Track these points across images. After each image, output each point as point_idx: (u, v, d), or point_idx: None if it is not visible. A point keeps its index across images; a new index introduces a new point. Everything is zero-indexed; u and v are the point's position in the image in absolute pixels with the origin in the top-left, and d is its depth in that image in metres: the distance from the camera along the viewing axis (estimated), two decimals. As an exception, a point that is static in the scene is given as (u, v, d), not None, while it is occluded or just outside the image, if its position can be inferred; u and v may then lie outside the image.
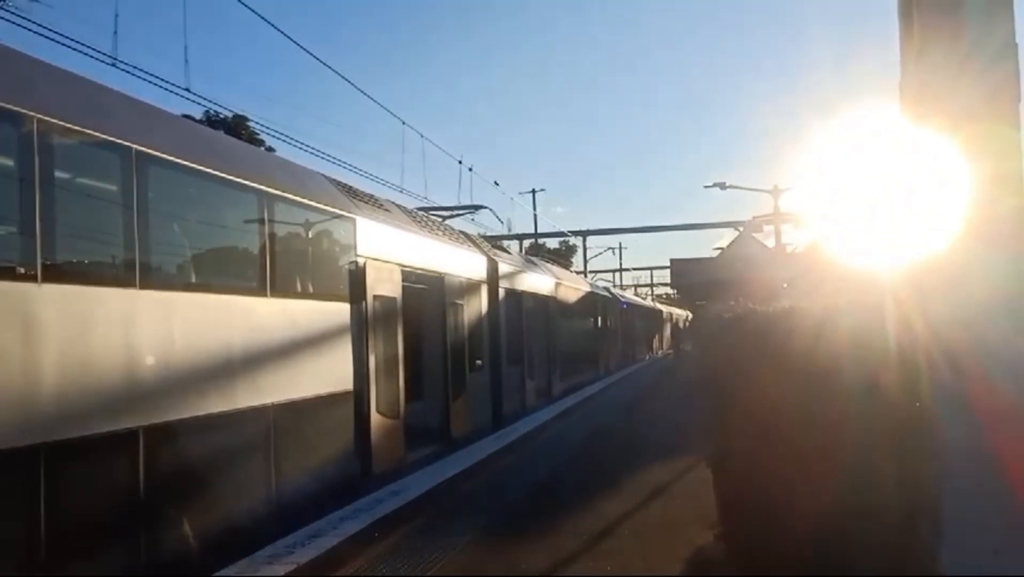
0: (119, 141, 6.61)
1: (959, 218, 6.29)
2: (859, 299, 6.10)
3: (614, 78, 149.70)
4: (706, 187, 33.15)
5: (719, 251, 37.26)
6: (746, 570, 5.77)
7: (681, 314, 64.19)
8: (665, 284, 70.48)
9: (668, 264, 43.83)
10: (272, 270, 8.57)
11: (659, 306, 61.03)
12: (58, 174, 6.10)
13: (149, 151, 6.88)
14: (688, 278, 35.22)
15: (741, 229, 34.80)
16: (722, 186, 32.30)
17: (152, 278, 6.87)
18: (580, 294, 26.87)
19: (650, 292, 73.83)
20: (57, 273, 5.87)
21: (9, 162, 5.86)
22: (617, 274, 66.14)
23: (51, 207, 5.87)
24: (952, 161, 5.91)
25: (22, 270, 5.61)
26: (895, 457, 5.22)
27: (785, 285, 20.48)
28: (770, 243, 31.07)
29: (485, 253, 16.57)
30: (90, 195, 6.77)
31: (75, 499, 5.88)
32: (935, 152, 5.99)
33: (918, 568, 5.13)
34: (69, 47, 9.97)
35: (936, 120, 5.75)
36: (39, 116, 5.77)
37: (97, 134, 6.42)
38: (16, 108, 5.65)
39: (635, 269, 71.34)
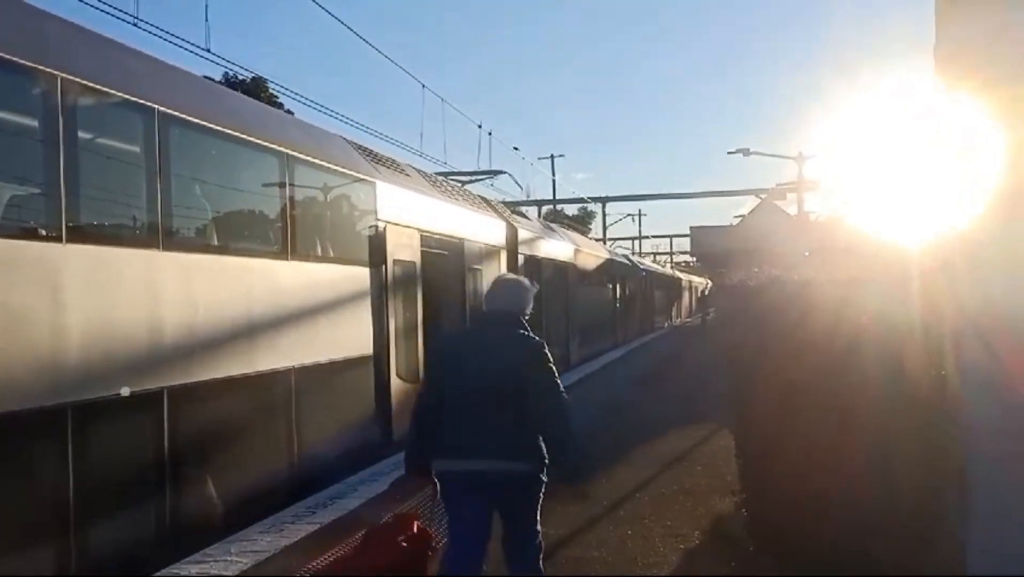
0: (142, 101, 6.58)
1: (990, 187, 6.18)
2: (884, 270, 6.03)
3: (635, 44, 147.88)
4: (729, 153, 33.13)
5: (740, 219, 37.03)
6: (766, 537, 5.77)
7: (700, 282, 63.92)
8: (685, 252, 70.14)
9: (688, 232, 43.60)
10: (293, 233, 8.57)
11: (678, 274, 60.77)
12: (81, 134, 6.09)
13: (171, 112, 6.85)
14: (708, 246, 35.07)
15: (763, 197, 34.49)
16: (745, 152, 31.92)
17: (175, 240, 6.88)
18: (599, 261, 26.77)
19: (669, 260, 73.51)
20: (81, 234, 5.88)
21: (33, 122, 5.85)
22: (636, 241, 65.92)
23: (74, 167, 5.87)
24: (985, 127, 5.78)
25: (46, 230, 5.63)
26: (920, 429, 5.18)
27: (807, 254, 20.32)
28: (793, 211, 30.78)
29: (504, 219, 16.50)
30: (113, 156, 6.77)
31: (102, 458, 5.95)
32: (968, 117, 5.86)
33: (942, 541, 5.11)
34: (91, 5, 9.91)
35: (970, 83, 5.62)
36: (62, 75, 5.74)
37: (119, 94, 6.39)
38: (39, 66, 5.62)
39: (654, 236, 70.96)
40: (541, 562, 4.54)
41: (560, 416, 4.41)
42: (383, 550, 4.45)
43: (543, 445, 4.39)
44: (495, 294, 4.72)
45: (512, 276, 5.00)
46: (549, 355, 4.54)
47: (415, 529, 4.60)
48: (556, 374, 4.55)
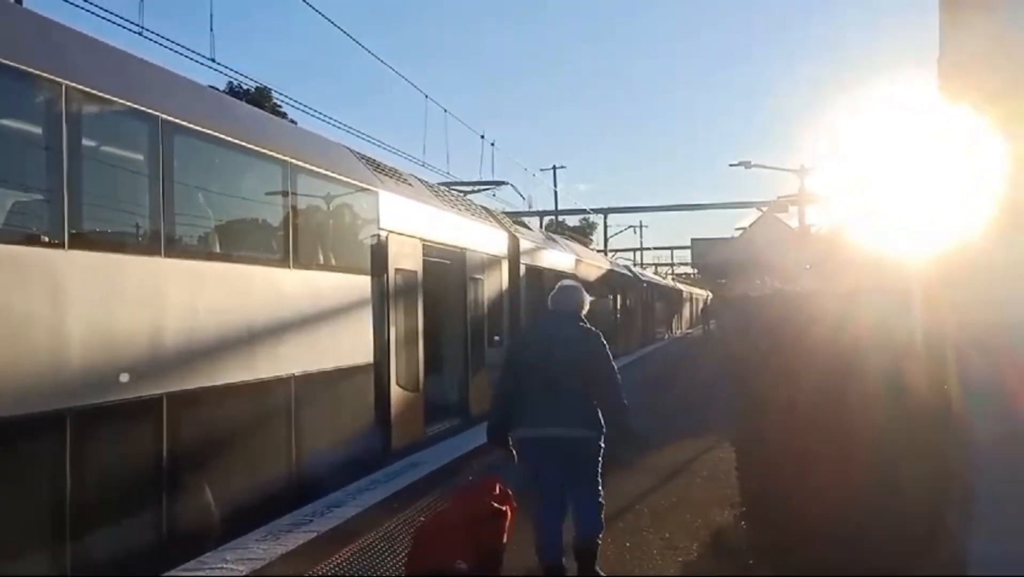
0: (146, 110, 6.60)
1: (991, 200, 6.18)
2: (885, 282, 6.02)
3: (637, 56, 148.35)
4: (731, 166, 33.06)
5: (741, 231, 37.05)
6: (765, 549, 5.75)
7: (701, 294, 63.88)
8: (686, 264, 70.14)
9: (689, 244, 43.61)
10: (295, 242, 8.58)
11: (679, 286, 60.75)
12: (85, 142, 6.11)
13: (175, 120, 6.87)
14: (709, 258, 35.10)
15: (765, 209, 34.50)
16: (747, 165, 31.98)
17: (177, 247, 6.89)
18: (600, 272, 26.78)
19: (670, 271, 73.49)
20: (83, 240, 5.89)
21: (37, 129, 5.87)
22: (638, 253, 65.91)
23: (78, 174, 5.88)
24: (988, 138, 5.78)
25: (48, 237, 5.63)
26: (921, 442, 5.16)
27: (808, 267, 20.30)
28: (794, 224, 30.78)
29: (506, 229, 16.51)
30: (116, 163, 6.79)
31: (100, 463, 5.94)
32: (971, 129, 5.86)
33: (945, 555, 5.08)
34: (96, 15, 9.96)
35: (972, 95, 5.62)
36: (67, 83, 5.77)
37: (124, 102, 6.41)
38: (45, 75, 5.64)
39: (656, 248, 70.99)
40: (602, 515, 5.50)
41: (616, 391, 5.52)
42: (474, 505, 5.27)
43: (602, 416, 5.42)
44: (557, 298, 5.76)
45: (570, 282, 6.00)
46: (605, 343, 5.63)
47: (498, 489, 5.45)
48: (612, 358, 5.64)
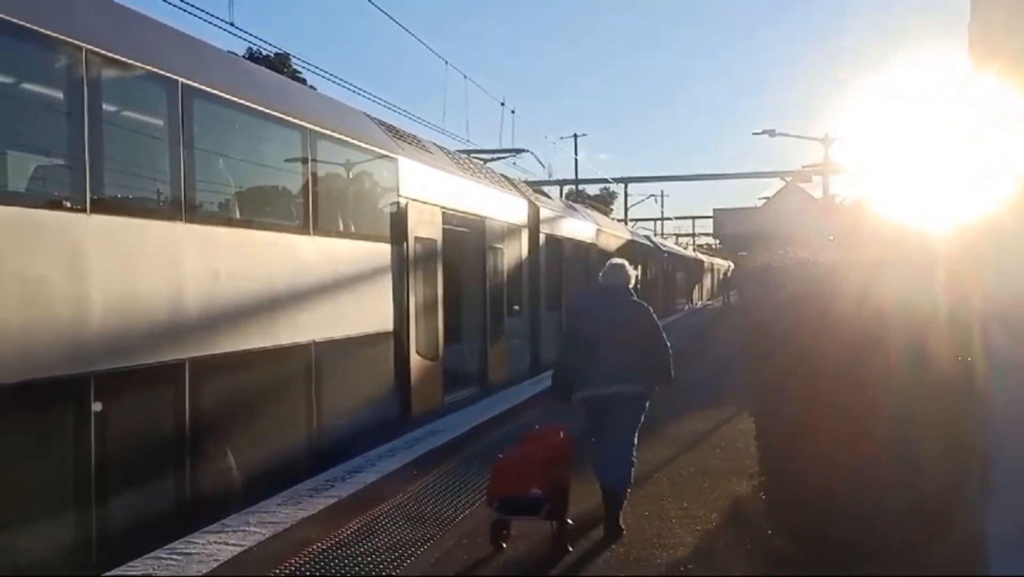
0: (166, 74, 6.58)
1: (1017, 173, 6.06)
2: (909, 254, 5.93)
3: (660, 23, 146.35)
4: (755, 134, 32.37)
5: (764, 201, 36.68)
6: (784, 520, 5.74)
7: (723, 265, 63.52)
8: (707, 234, 69.69)
9: (711, 214, 43.26)
10: (315, 208, 8.58)
11: (700, 256, 60.42)
12: (106, 106, 6.12)
13: (195, 85, 6.85)
14: (731, 229, 34.80)
15: (788, 180, 34.11)
16: (771, 133, 31.53)
17: (197, 213, 6.91)
18: (621, 242, 26.65)
19: (692, 242, 73.09)
20: (105, 205, 5.91)
21: (58, 93, 5.88)
22: (658, 223, 65.55)
23: (99, 139, 5.89)
24: (1016, 107, 5.64)
25: (70, 201, 5.66)
26: (943, 416, 5.11)
27: (832, 238, 20.08)
28: (818, 194, 30.43)
29: (526, 197, 16.44)
30: (137, 128, 6.80)
31: (123, 427, 6.01)
32: (999, 97, 5.72)
33: (964, 527, 5.05)
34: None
35: (1000, 61, 5.48)
36: (88, 47, 5.75)
37: (144, 66, 6.40)
38: (65, 38, 5.63)
39: (677, 218, 70.63)
40: (632, 472, 6.37)
41: (664, 352, 6.39)
42: (544, 446, 6.21)
43: (649, 374, 6.31)
44: (607, 274, 6.59)
45: (618, 261, 6.78)
46: (652, 311, 6.51)
47: (562, 435, 6.40)
48: (658, 323, 6.51)
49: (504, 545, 5.83)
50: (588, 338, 6.33)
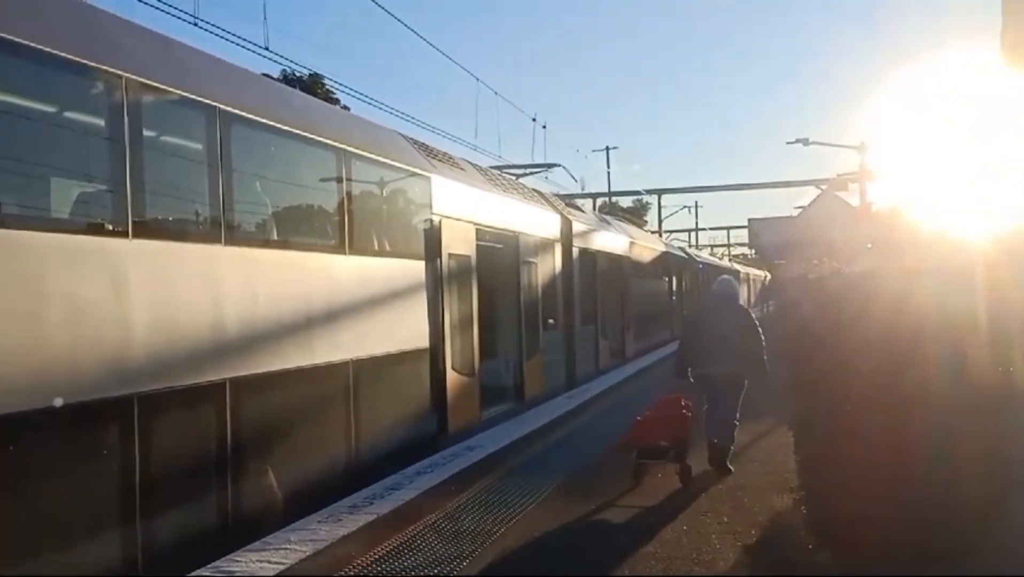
0: (203, 100, 6.73)
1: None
2: (947, 261, 5.84)
3: (691, 34, 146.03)
4: (788, 143, 31.99)
5: (800, 210, 36.28)
6: (825, 534, 5.67)
7: (759, 275, 62.90)
8: (742, 244, 69.10)
9: (746, 224, 42.87)
10: (350, 228, 8.68)
11: (736, 266, 59.90)
12: (146, 132, 6.26)
13: (232, 109, 6.99)
14: (767, 238, 34.42)
15: (824, 188, 33.73)
16: (805, 142, 31.21)
17: (236, 235, 7.03)
18: (655, 254, 26.54)
19: (727, 252, 72.48)
20: (146, 229, 6.04)
21: (100, 121, 6.03)
22: (693, 233, 65.12)
23: (140, 165, 6.03)
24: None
25: (113, 226, 5.80)
26: (983, 426, 5.02)
27: (869, 246, 19.82)
28: (855, 202, 30.03)
29: (559, 211, 16.45)
30: (176, 153, 6.94)
31: (166, 447, 6.12)
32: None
33: (1005, 540, 4.95)
34: (152, 6, 10.17)
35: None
36: (127, 75, 5.91)
37: (182, 93, 6.54)
38: (105, 67, 5.79)
39: (711, 228, 70.16)
40: (736, 432, 8.57)
41: (760, 347, 8.53)
42: (669, 409, 8.40)
43: (745, 359, 8.44)
44: (718, 288, 9.13)
45: (727, 277, 9.45)
46: (752, 315, 9.09)
47: (683, 402, 8.44)
48: (758, 324, 8.76)
49: (639, 482, 7.95)
50: (704, 331, 8.73)
